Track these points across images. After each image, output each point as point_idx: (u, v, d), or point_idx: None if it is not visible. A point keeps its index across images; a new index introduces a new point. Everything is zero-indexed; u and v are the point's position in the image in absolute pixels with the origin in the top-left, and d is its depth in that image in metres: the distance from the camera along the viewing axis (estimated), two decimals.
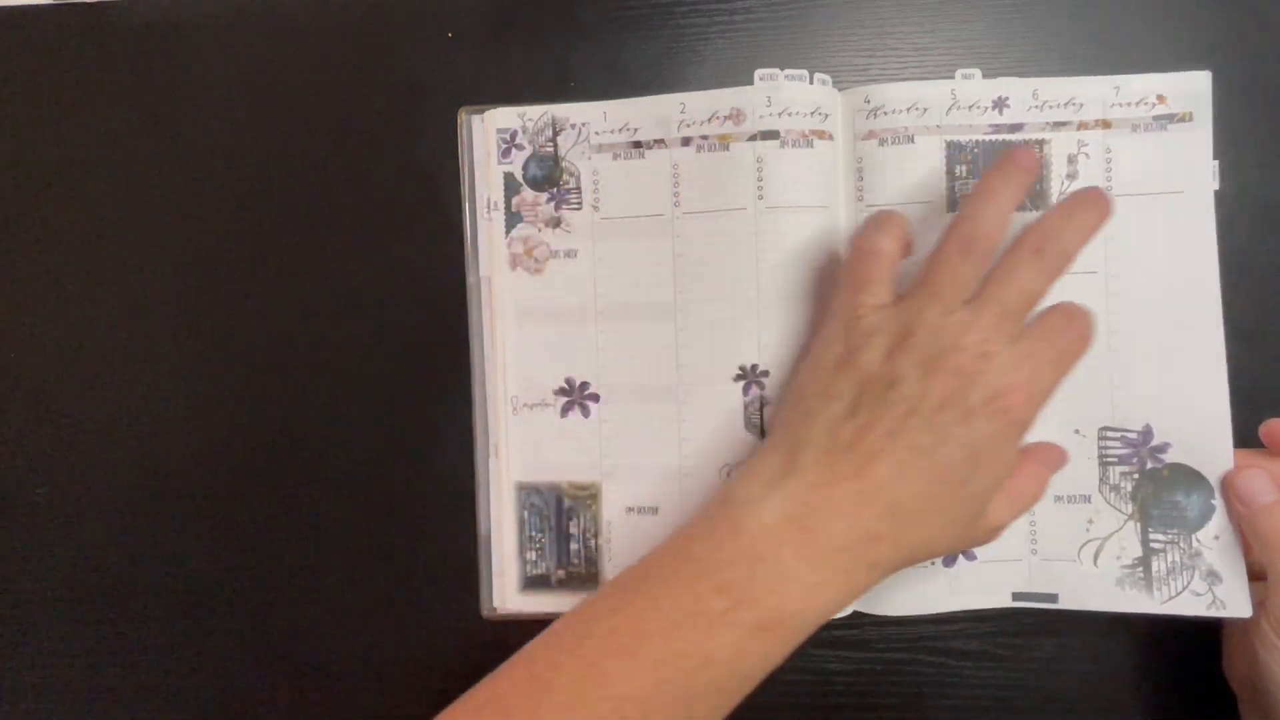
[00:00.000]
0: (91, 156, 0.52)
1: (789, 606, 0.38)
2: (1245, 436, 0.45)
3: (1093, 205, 0.41)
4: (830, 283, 0.46)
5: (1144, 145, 0.46)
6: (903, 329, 0.40)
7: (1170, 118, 0.46)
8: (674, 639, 0.38)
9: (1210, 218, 0.46)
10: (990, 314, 0.39)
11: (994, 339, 0.39)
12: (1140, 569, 0.46)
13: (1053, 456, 0.43)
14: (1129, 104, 0.47)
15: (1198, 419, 0.45)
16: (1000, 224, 0.40)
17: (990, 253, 0.40)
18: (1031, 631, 0.49)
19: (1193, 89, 0.46)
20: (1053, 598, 0.47)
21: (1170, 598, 0.45)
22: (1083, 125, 0.47)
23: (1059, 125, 0.47)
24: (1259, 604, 0.43)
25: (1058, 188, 0.47)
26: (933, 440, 0.38)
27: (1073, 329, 0.40)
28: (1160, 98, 0.46)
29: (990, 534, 0.41)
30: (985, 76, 0.47)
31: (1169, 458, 0.46)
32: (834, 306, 0.43)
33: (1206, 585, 0.45)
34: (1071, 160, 0.47)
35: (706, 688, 0.38)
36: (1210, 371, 0.45)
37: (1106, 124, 0.47)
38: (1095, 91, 0.47)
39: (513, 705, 0.39)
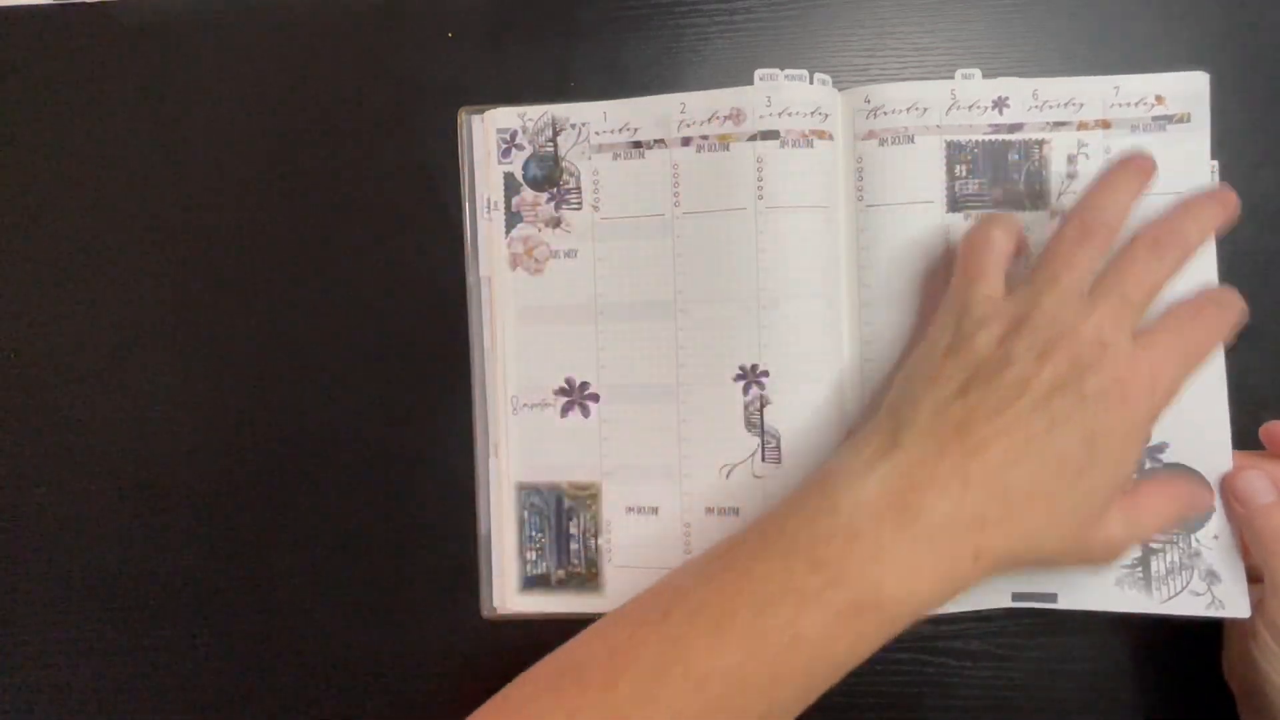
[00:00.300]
0: (91, 156, 0.52)
1: (886, 589, 0.36)
2: (1244, 437, 0.45)
3: (1217, 202, 0.40)
4: (935, 279, 0.45)
5: (1143, 145, 0.46)
6: (1017, 315, 0.38)
7: (1169, 118, 0.46)
8: (764, 615, 0.36)
9: None
10: (1109, 304, 0.38)
11: (1112, 329, 0.38)
12: (1139, 569, 0.46)
13: (1187, 492, 0.42)
14: (1128, 104, 0.46)
15: (1196, 419, 0.45)
16: (1120, 214, 0.40)
17: (1109, 242, 0.39)
18: (1031, 631, 0.49)
19: (1191, 90, 0.46)
20: (1052, 597, 0.47)
21: (1169, 598, 0.45)
22: (1082, 125, 0.47)
23: (1058, 125, 0.47)
24: (1256, 606, 0.43)
25: (1057, 187, 0.47)
26: (1046, 424, 0.37)
27: (1200, 323, 0.39)
28: (1159, 98, 0.46)
29: (1106, 549, 0.39)
30: (985, 76, 0.47)
31: (1167, 458, 0.46)
32: (946, 298, 0.42)
33: (1205, 585, 0.45)
34: (1071, 160, 0.47)
35: (794, 670, 0.36)
36: (1209, 372, 0.45)
37: (1106, 124, 0.47)
38: (1095, 91, 0.47)
39: (590, 677, 0.37)
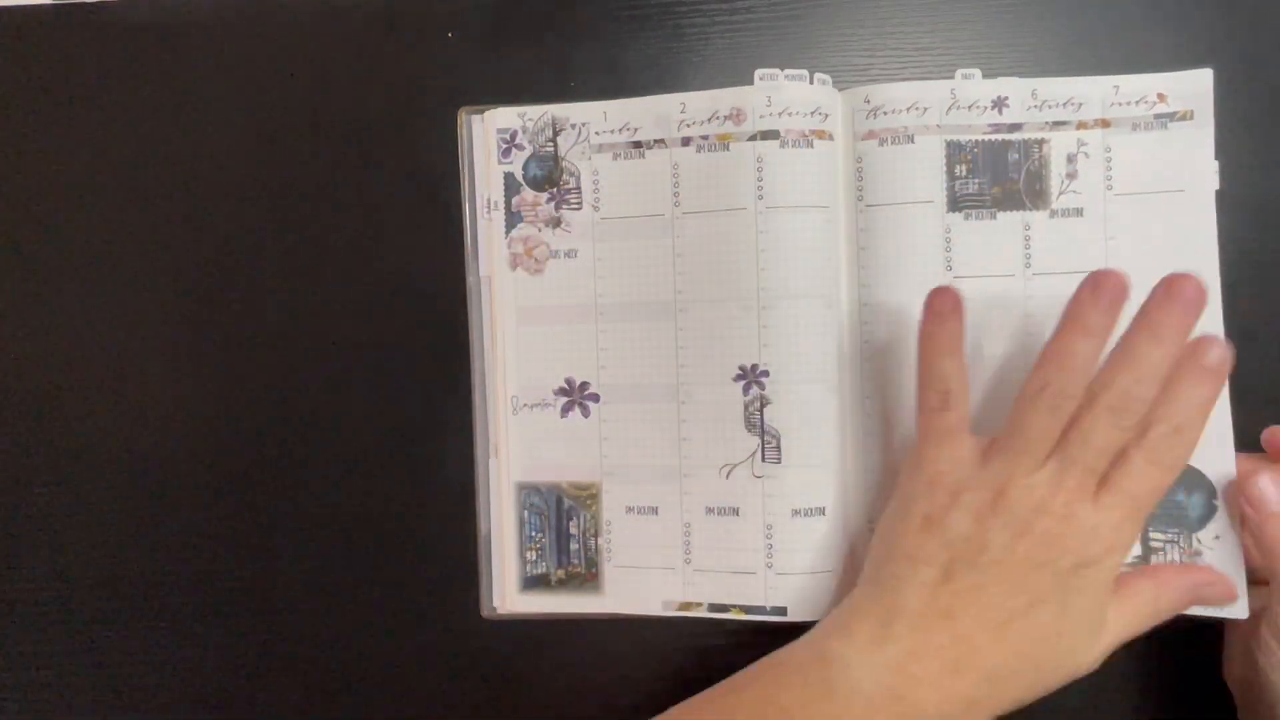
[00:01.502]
0: (91, 156, 0.52)
1: None
2: (1245, 436, 0.45)
3: (1160, 342, 0.39)
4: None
5: (1144, 144, 0.46)
6: (991, 490, 0.40)
7: (1171, 116, 0.46)
8: None
9: (1212, 216, 0.46)
10: (1074, 477, 0.39)
11: (1079, 500, 0.39)
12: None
13: (1185, 583, 0.43)
14: (1129, 103, 0.47)
15: None
16: (1083, 379, 0.40)
17: (1072, 407, 0.40)
18: None
19: (1194, 87, 0.46)
20: None
21: None
22: (1081, 125, 0.47)
23: (1058, 125, 0.47)
24: (1260, 610, 0.43)
25: (1058, 187, 0.47)
26: (1026, 603, 0.39)
27: (1152, 473, 0.40)
28: (1161, 96, 0.46)
29: (1095, 664, 0.41)
30: (985, 76, 0.47)
31: None
32: (915, 456, 0.43)
33: None
34: (1071, 160, 0.47)
35: None
36: None
37: (1106, 123, 0.47)
38: (1094, 91, 0.47)
39: None
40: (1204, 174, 0.46)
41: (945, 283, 0.44)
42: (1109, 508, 0.40)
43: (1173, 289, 0.39)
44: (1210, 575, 0.44)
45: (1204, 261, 0.45)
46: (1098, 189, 0.47)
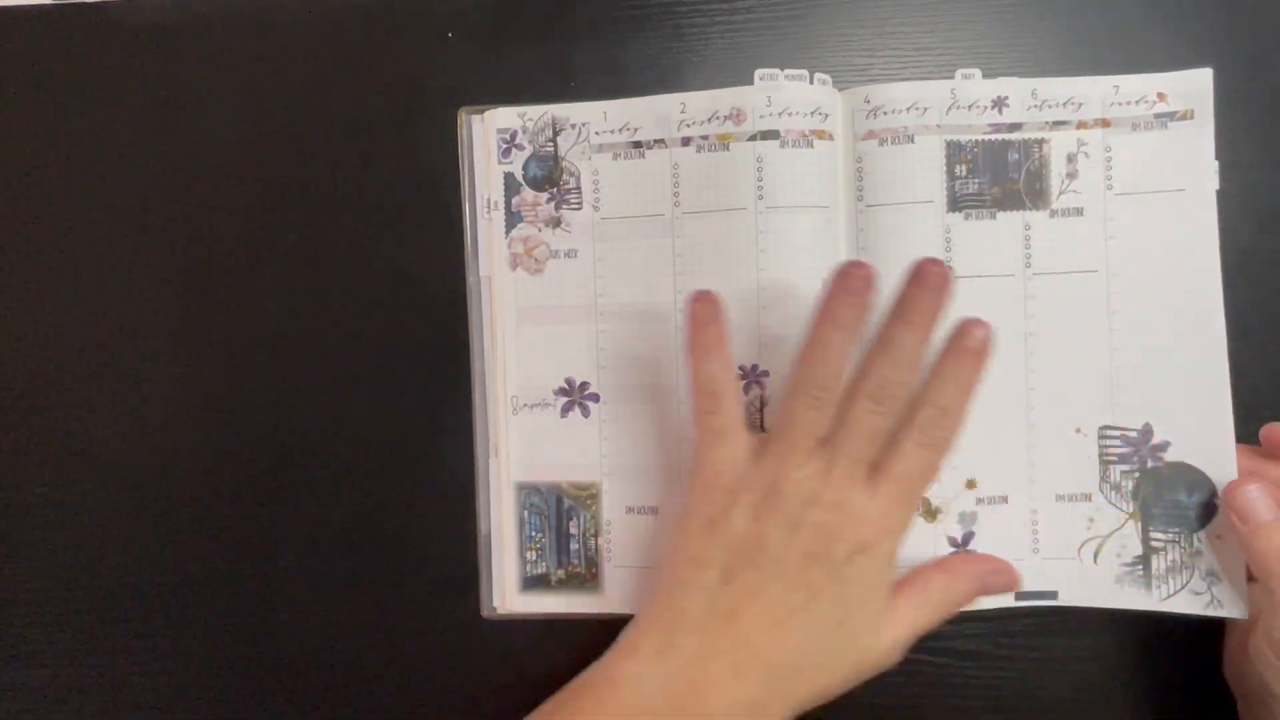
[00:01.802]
0: (91, 156, 0.52)
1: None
2: (1245, 436, 0.45)
3: (912, 327, 0.40)
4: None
5: (1144, 143, 0.46)
6: (765, 486, 0.41)
7: (1171, 115, 0.46)
8: None
9: (1212, 216, 0.46)
10: (842, 467, 0.40)
11: (848, 488, 0.40)
12: (1140, 567, 0.46)
13: (972, 572, 0.44)
14: (1129, 102, 0.47)
15: (1199, 417, 0.45)
16: (840, 370, 0.41)
17: (835, 397, 0.41)
18: (1031, 632, 0.49)
19: (1194, 86, 0.46)
20: (1052, 595, 0.47)
21: (1168, 596, 0.45)
22: (1081, 125, 0.47)
23: (1058, 125, 0.47)
24: (1254, 621, 0.43)
25: (1058, 187, 0.47)
26: (804, 598, 0.40)
27: (921, 455, 0.41)
28: (1161, 95, 0.46)
29: (894, 650, 0.42)
30: (985, 76, 0.47)
31: (1169, 456, 0.46)
32: (694, 460, 0.43)
33: (1205, 585, 0.45)
34: (1071, 159, 0.47)
35: None
36: (1212, 370, 0.45)
37: (1106, 123, 0.47)
38: (1094, 91, 0.47)
39: None
40: (1204, 174, 0.46)
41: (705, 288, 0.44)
42: (881, 494, 0.40)
43: (920, 275, 0.40)
44: (996, 564, 0.45)
45: (1205, 261, 0.46)
46: (1098, 189, 0.47)
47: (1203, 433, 0.45)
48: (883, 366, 0.40)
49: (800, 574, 0.40)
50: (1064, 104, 0.47)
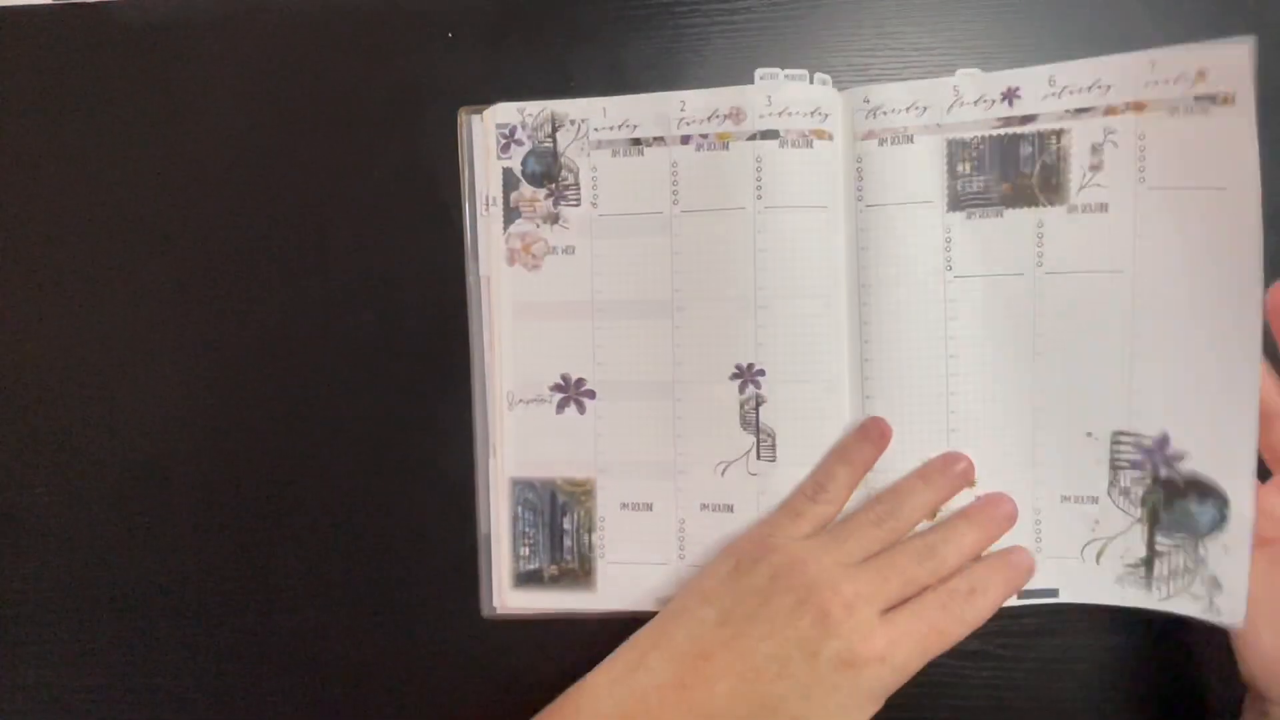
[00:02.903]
0: (91, 157, 0.52)
1: None
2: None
3: (991, 521, 0.46)
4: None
5: (1183, 131, 0.43)
6: (797, 558, 0.42)
7: (1213, 99, 0.42)
8: None
9: (1257, 219, 0.41)
10: (869, 577, 0.42)
11: (866, 600, 0.41)
12: (1142, 569, 0.45)
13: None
14: (1166, 81, 0.43)
15: (1221, 430, 0.43)
16: (919, 517, 0.45)
17: (900, 534, 0.45)
18: (1031, 632, 0.48)
19: (1234, 63, 0.42)
20: (1053, 592, 0.47)
21: (1167, 596, 0.45)
22: (1111, 110, 0.44)
23: (1081, 112, 0.44)
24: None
25: (1079, 180, 0.45)
26: (775, 672, 0.40)
27: (948, 613, 0.42)
28: (1200, 74, 0.42)
29: None
30: None
31: (1185, 466, 0.44)
32: (762, 521, 0.47)
33: (1205, 590, 0.44)
34: (1096, 149, 0.44)
35: None
36: (1243, 383, 0.42)
37: (1140, 106, 0.43)
38: (1125, 69, 0.44)
39: None
40: (1248, 168, 0.41)
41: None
42: (892, 622, 0.41)
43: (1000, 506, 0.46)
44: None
45: (1245, 271, 0.41)
46: (1127, 181, 0.44)
47: (1224, 447, 0.43)
48: (936, 536, 0.44)
49: (785, 649, 0.40)
50: (1089, 88, 0.44)
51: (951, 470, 0.46)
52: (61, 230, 0.52)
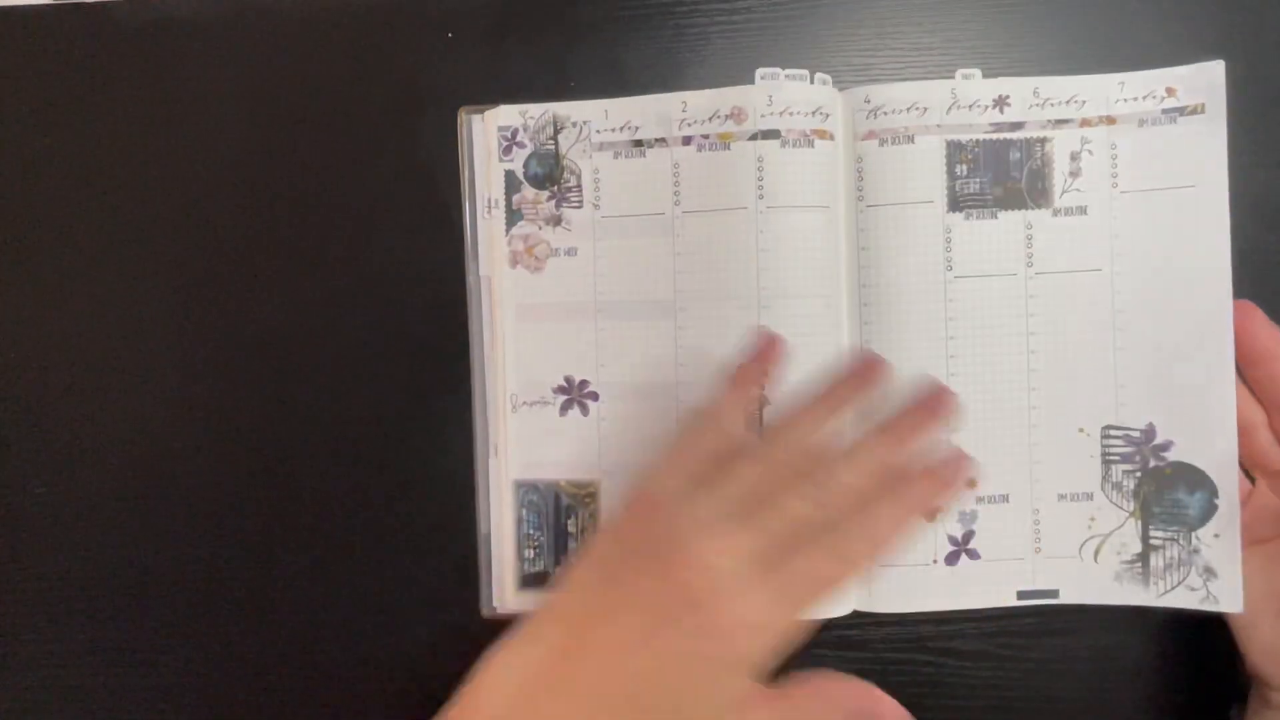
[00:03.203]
0: (92, 157, 0.52)
1: None
2: None
3: (890, 443, 0.40)
4: None
5: (1151, 140, 0.46)
6: (662, 510, 0.39)
7: (1181, 110, 0.46)
8: None
9: (1224, 213, 0.45)
10: (750, 527, 0.38)
11: (736, 554, 0.37)
12: (1139, 564, 0.46)
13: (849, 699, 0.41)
14: (1135, 99, 0.46)
15: (1203, 418, 0.45)
16: (811, 444, 0.40)
17: (801, 465, 0.39)
18: (1032, 631, 0.49)
19: (1205, 79, 0.46)
20: (1054, 593, 0.47)
21: (1165, 592, 0.46)
22: (1085, 122, 0.47)
23: (1060, 123, 0.47)
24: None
25: (1060, 185, 0.47)
26: (641, 642, 0.37)
27: (830, 563, 0.38)
28: (1170, 90, 0.46)
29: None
30: (986, 76, 0.47)
31: (1171, 456, 0.46)
32: (661, 454, 0.42)
33: (1202, 581, 0.45)
34: (1075, 157, 0.47)
35: None
36: (1219, 371, 0.45)
37: (1111, 120, 0.47)
38: (1098, 88, 0.47)
39: None
40: (1215, 169, 0.45)
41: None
42: (767, 580, 0.37)
43: (926, 400, 0.40)
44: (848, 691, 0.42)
45: (1214, 260, 0.45)
46: (1102, 187, 0.47)
47: (1207, 434, 0.45)
48: (843, 468, 0.39)
49: (650, 620, 0.37)
50: (1066, 102, 0.47)
51: (854, 377, 0.41)
52: (61, 230, 0.52)
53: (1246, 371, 0.44)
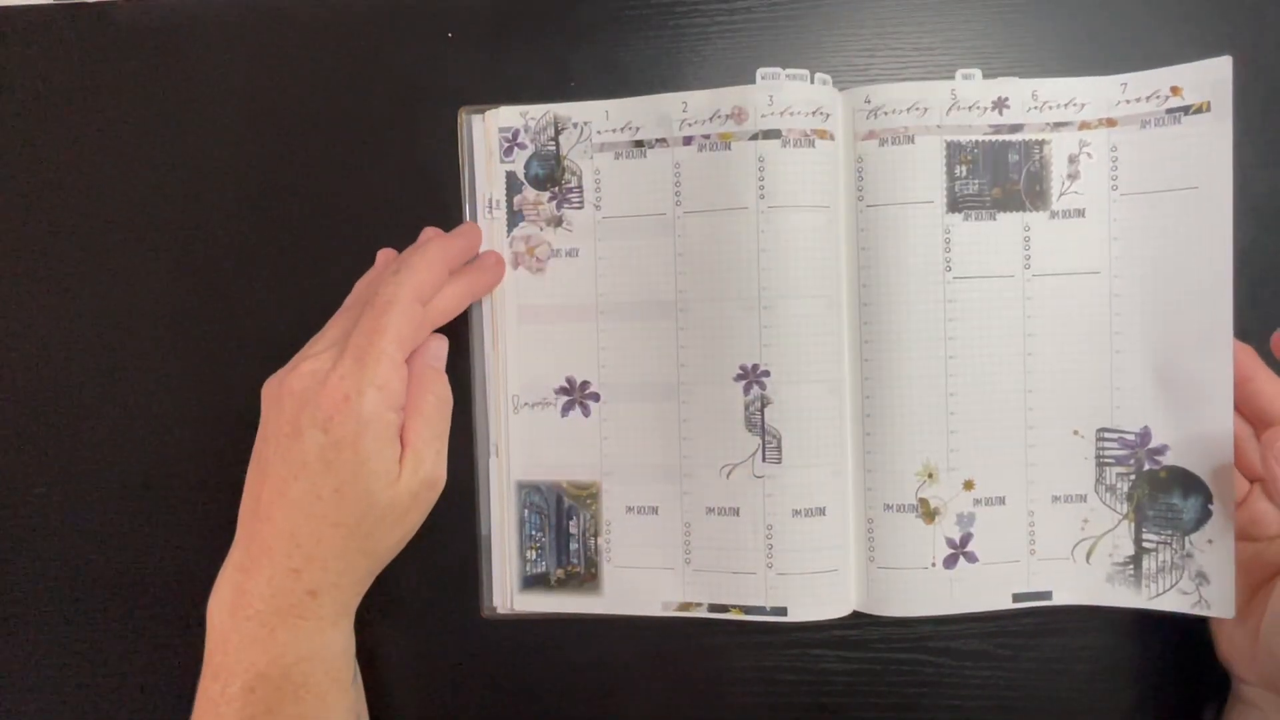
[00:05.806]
0: (92, 156, 0.52)
1: (260, 665, 0.42)
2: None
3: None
4: None
5: (1154, 141, 0.46)
6: (281, 383, 0.43)
7: (1185, 109, 0.45)
8: None
9: (1227, 214, 0.44)
10: (346, 361, 0.42)
11: (324, 360, 0.42)
12: (1131, 566, 0.46)
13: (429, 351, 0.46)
14: (1137, 100, 0.46)
15: (1200, 422, 0.45)
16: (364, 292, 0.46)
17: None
18: (1031, 632, 0.49)
19: (1212, 76, 0.45)
20: (1047, 595, 0.47)
21: (1157, 595, 0.46)
22: (1085, 125, 0.47)
23: (1059, 125, 0.47)
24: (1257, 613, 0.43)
25: (1058, 188, 0.47)
26: (295, 469, 0.41)
27: (369, 313, 0.43)
28: (1175, 89, 0.45)
29: (430, 485, 0.44)
30: (986, 76, 0.47)
31: (1167, 460, 0.46)
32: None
33: (1194, 585, 0.45)
34: (1072, 160, 0.47)
35: None
36: (1217, 376, 0.44)
37: (1111, 122, 0.46)
38: (1098, 91, 0.47)
39: None
40: (1220, 168, 0.44)
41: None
42: (344, 359, 0.42)
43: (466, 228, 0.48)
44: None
45: (1215, 263, 0.44)
46: (1101, 189, 0.47)
47: (1203, 439, 0.45)
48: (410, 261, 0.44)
49: (290, 447, 0.41)
50: (1065, 104, 0.47)
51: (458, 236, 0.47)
52: (62, 229, 0.52)
53: None
